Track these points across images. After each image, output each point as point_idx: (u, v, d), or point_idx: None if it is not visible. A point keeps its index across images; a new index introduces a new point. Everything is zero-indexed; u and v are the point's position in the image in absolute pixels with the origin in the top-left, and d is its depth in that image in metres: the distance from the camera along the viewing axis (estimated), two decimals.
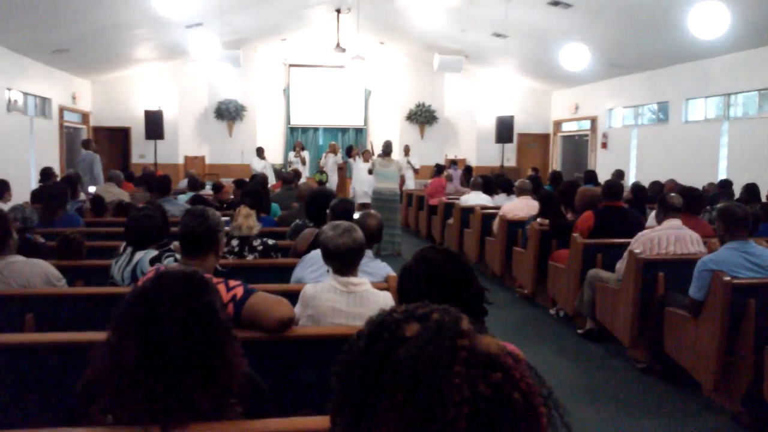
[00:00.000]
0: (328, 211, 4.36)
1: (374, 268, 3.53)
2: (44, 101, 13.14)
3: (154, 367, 1.57)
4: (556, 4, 10.36)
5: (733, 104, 11.40)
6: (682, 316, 4.42)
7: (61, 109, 13.97)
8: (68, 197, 6.31)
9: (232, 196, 8.15)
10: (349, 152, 14.25)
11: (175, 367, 1.58)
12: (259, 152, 14.82)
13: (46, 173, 8.88)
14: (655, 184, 8.90)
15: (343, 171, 15.00)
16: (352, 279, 2.90)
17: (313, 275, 3.48)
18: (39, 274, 3.54)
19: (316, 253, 3.58)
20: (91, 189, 9.48)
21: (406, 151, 14.54)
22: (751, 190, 7.74)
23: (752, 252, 4.19)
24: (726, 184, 8.48)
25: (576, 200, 6.50)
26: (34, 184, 10.66)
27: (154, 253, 3.61)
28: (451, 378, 0.80)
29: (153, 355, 1.58)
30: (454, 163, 14.13)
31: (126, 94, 16.39)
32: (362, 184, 12.29)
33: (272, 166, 14.96)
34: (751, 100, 11.08)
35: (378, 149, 12.10)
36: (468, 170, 13.76)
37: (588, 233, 5.90)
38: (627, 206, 6.33)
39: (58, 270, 3.71)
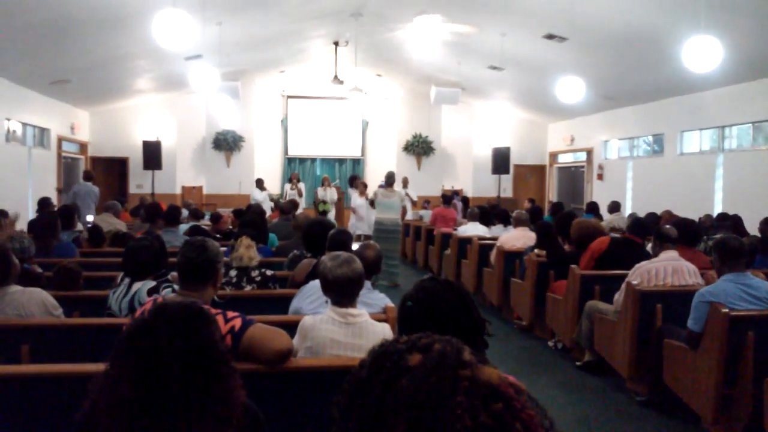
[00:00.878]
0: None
1: (373, 299, 3.53)
2: (43, 131, 13.21)
3: (152, 400, 1.56)
4: (551, 37, 10.50)
5: (728, 137, 11.50)
6: (681, 348, 4.41)
7: (60, 140, 14.04)
8: (59, 227, 6.28)
9: (230, 227, 8.14)
10: (352, 182, 14.30)
11: (173, 399, 1.57)
12: (259, 183, 14.86)
13: (43, 203, 8.88)
14: (651, 216, 8.92)
15: (341, 202, 15.02)
16: (351, 310, 2.89)
17: (311, 306, 3.48)
18: (37, 302, 3.52)
19: (315, 284, 3.58)
20: (89, 218, 9.47)
21: (405, 183, 14.59)
22: (736, 222, 7.78)
23: (749, 284, 4.20)
24: (723, 218, 8.49)
25: (572, 231, 6.51)
26: (32, 214, 10.65)
27: (152, 283, 3.60)
28: (453, 408, 0.81)
29: (152, 388, 1.57)
30: (456, 194, 14.14)
31: (124, 124, 16.51)
32: (360, 219, 12.27)
33: (270, 197, 15.00)
34: (745, 133, 11.18)
35: (372, 184, 12.14)
36: (465, 201, 13.80)
37: (598, 255, 5.91)
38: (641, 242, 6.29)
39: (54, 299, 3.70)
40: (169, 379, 1.58)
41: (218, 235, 7.33)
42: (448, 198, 12.48)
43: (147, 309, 1.79)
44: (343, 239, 4.24)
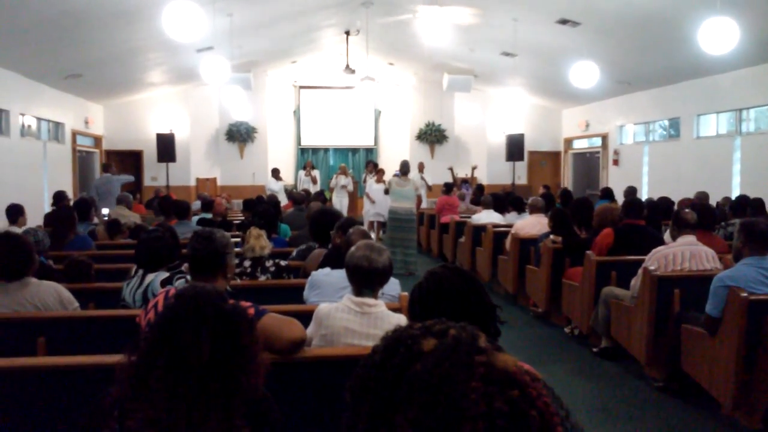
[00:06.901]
0: (332, 232, 4.38)
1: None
2: (57, 126, 13.30)
3: (182, 391, 1.57)
4: (564, 22, 10.39)
5: (745, 119, 11.35)
6: (699, 333, 4.36)
7: (74, 134, 14.14)
8: (76, 220, 6.34)
9: (226, 205, 8.20)
10: (367, 166, 14.30)
11: (203, 392, 1.57)
12: (275, 173, 14.81)
13: (58, 197, 8.96)
14: (664, 200, 8.78)
15: (355, 192, 14.98)
16: (368, 300, 2.86)
17: (315, 300, 3.45)
18: (52, 294, 3.54)
19: (317, 275, 3.59)
20: (104, 211, 9.54)
21: (420, 168, 14.47)
22: (757, 207, 7.63)
23: None
24: (742, 204, 8.32)
25: (595, 217, 6.45)
26: (47, 207, 10.75)
27: (165, 274, 3.61)
28: (468, 393, 0.79)
29: (182, 380, 1.57)
30: (465, 182, 13.98)
31: (138, 117, 16.59)
32: (373, 205, 12.21)
33: (285, 188, 15.02)
34: (763, 115, 11.04)
35: (385, 173, 12.07)
36: (480, 189, 13.69)
37: (607, 250, 5.85)
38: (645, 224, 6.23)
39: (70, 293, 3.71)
40: (200, 371, 1.58)
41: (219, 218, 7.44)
42: (449, 186, 12.29)
43: (170, 299, 1.78)
44: (349, 226, 4.23)
